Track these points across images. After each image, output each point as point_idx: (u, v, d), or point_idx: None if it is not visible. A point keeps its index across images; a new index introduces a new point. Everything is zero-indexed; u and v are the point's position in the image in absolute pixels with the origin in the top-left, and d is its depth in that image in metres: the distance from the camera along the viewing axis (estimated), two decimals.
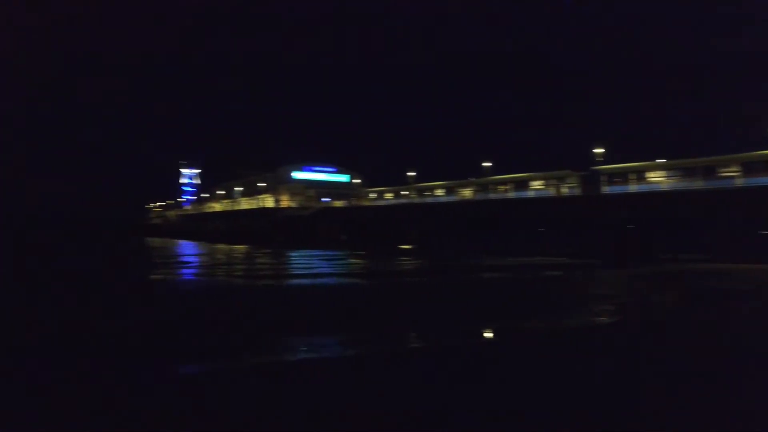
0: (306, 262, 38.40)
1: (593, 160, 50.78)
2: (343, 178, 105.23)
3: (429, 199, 68.41)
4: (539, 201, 51.71)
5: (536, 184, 55.27)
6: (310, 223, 77.52)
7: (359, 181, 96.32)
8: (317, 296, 21.05)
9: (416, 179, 73.97)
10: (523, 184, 56.53)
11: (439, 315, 15.77)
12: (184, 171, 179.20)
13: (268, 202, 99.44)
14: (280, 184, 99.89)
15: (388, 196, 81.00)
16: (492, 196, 58.62)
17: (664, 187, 43.69)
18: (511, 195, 56.56)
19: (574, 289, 22.46)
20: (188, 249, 61.33)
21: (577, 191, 50.90)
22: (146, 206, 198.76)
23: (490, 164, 62.58)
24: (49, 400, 7.91)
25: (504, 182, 59.42)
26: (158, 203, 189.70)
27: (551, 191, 53.08)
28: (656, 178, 45.57)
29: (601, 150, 50.65)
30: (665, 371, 9.39)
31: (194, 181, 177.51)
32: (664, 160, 46.71)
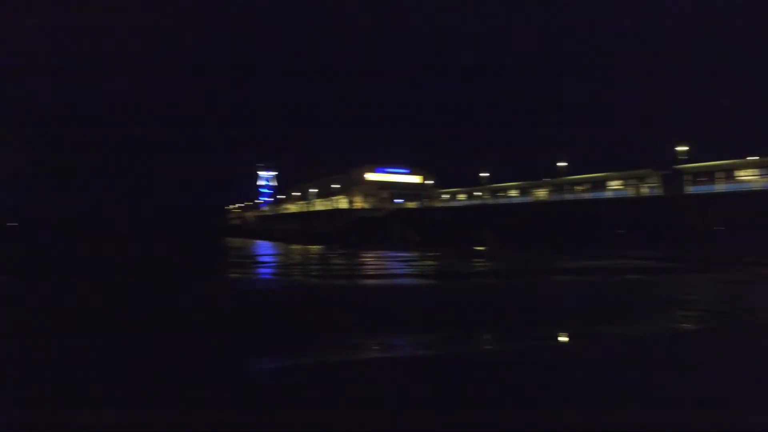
0: (379, 263, 39.24)
1: (676, 158, 48.66)
2: (416, 179, 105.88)
3: (502, 200, 67.74)
4: (617, 202, 50.12)
5: (614, 184, 53.60)
6: (383, 223, 78.66)
7: (432, 182, 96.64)
8: (389, 296, 21.57)
9: (489, 180, 73.44)
10: (600, 184, 54.96)
11: (513, 318, 15.88)
12: (261, 173, 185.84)
13: (342, 203, 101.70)
14: (353, 185, 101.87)
15: (461, 197, 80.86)
16: (567, 196, 57.33)
17: (756, 186, 41.24)
18: (588, 195, 55.09)
19: (656, 294, 21.81)
20: (264, 249, 63.90)
21: (659, 191, 48.93)
22: (226, 207, 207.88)
23: (565, 164, 61.25)
24: (139, 389, 8.77)
25: (580, 182, 57.99)
26: (237, 205, 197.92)
27: (630, 191, 51.33)
28: (747, 176, 43.09)
29: (685, 148, 48.42)
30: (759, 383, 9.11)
31: (271, 183, 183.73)
32: (757, 158, 44.05)
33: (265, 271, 34.95)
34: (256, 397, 8.42)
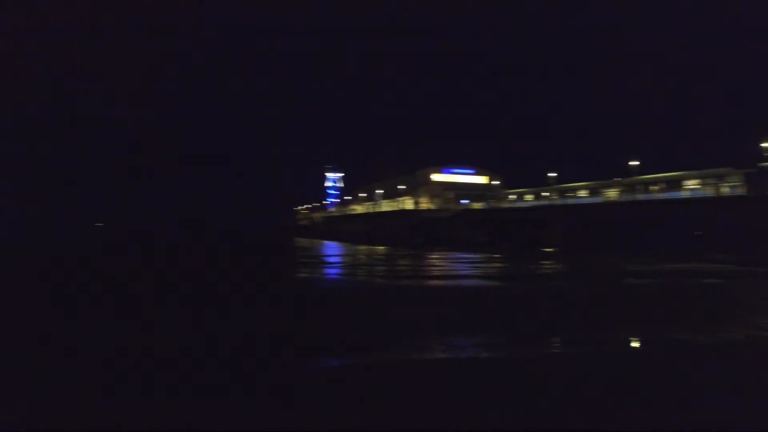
0: (444, 264, 39.51)
1: (760, 155, 46.05)
2: (482, 179, 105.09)
3: (571, 201, 66.23)
4: (694, 202, 47.98)
5: (691, 184, 51.28)
6: (449, 224, 78.65)
7: (498, 182, 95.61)
8: (454, 297, 21.81)
9: (557, 180, 72.07)
10: (675, 184, 52.72)
11: (580, 321, 15.86)
12: (328, 175, 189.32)
13: (408, 204, 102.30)
14: (419, 186, 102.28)
15: (528, 197, 79.65)
16: (639, 196, 55.35)
17: None
18: (662, 196, 52.97)
19: (735, 299, 20.94)
20: (331, 249, 65.46)
21: (741, 191, 46.43)
22: (295, 209, 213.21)
23: (636, 163, 59.20)
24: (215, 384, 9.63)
25: (653, 182, 55.86)
26: (305, 206, 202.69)
27: (709, 191, 48.94)
28: None
29: None
30: None
31: (338, 185, 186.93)
32: None
33: (332, 272, 36.02)
34: (324, 393, 9.02)
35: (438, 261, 42.51)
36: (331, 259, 49.10)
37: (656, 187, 54.84)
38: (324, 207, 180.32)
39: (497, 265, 39.16)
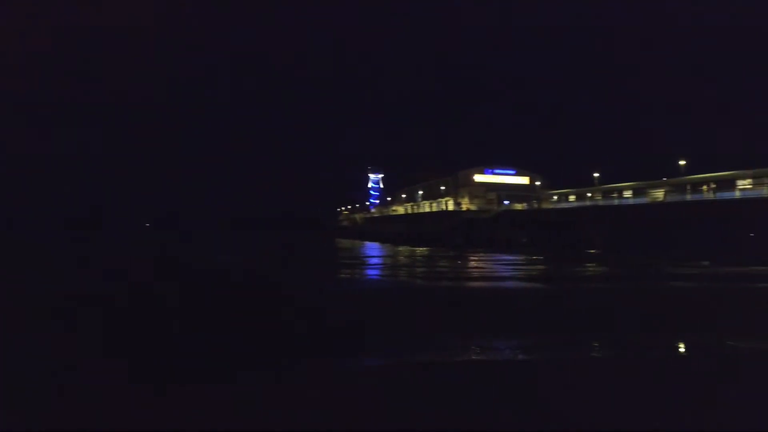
0: (485, 265, 39.37)
1: None
2: (523, 179, 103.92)
3: (615, 201, 64.75)
4: (748, 203, 46.23)
5: (744, 184, 49.40)
6: (490, 225, 78.06)
7: (539, 183, 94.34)
8: (494, 299, 21.82)
9: (600, 180, 70.66)
10: (726, 184, 50.87)
11: (623, 325, 15.51)
12: (370, 176, 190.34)
13: (449, 205, 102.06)
14: (460, 186, 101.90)
15: (571, 198, 78.30)
16: (689, 197, 53.67)
17: None
18: (712, 196, 51.21)
19: None
20: (372, 250, 65.97)
21: None
22: (337, 209, 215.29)
23: (683, 162, 57.50)
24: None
25: (703, 182, 54.05)
26: (347, 206, 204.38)
27: (766, 191, 47.04)
28: None
29: None
30: None
31: (379, 185, 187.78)
32: None
33: (373, 273, 36.38)
34: (363, 392, 9.24)
35: (478, 262, 42.36)
36: (373, 261, 49.49)
37: (705, 188, 53.07)
38: (365, 208, 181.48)
39: (538, 266, 38.68)
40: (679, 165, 58.66)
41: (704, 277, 29.20)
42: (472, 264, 41.38)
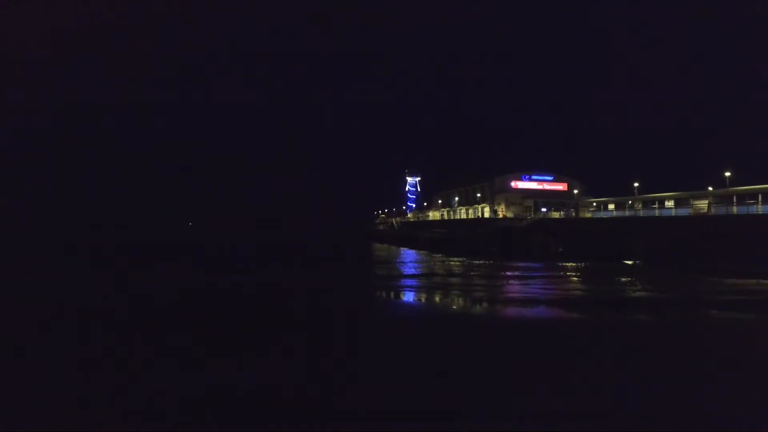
0: (519, 283, 38.02)
1: None
2: (561, 186, 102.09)
3: (656, 212, 62.82)
4: None
5: None
6: (526, 234, 76.86)
7: (577, 191, 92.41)
8: (526, 336, 20.35)
9: (640, 188, 68.87)
10: None
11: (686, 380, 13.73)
12: (408, 179, 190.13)
13: (485, 211, 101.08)
14: (496, 193, 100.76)
15: (611, 207, 76.45)
16: (735, 210, 51.60)
17: None
18: (761, 209, 49.03)
19: None
20: (407, 258, 65.88)
21: None
22: (375, 212, 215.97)
23: (728, 174, 55.41)
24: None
25: (752, 194, 51.81)
26: (384, 210, 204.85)
27: None
28: None
29: None
30: None
31: (416, 188, 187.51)
32: None
33: (407, 299, 33.77)
34: None
35: (512, 278, 41.39)
36: (406, 270, 49.34)
37: (753, 201, 50.87)
38: (402, 212, 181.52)
39: (576, 286, 37.29)
40: (724, 176, 56.53)
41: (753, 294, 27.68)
42: (504, 279, 40.70)
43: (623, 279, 40.24)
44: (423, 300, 31.53)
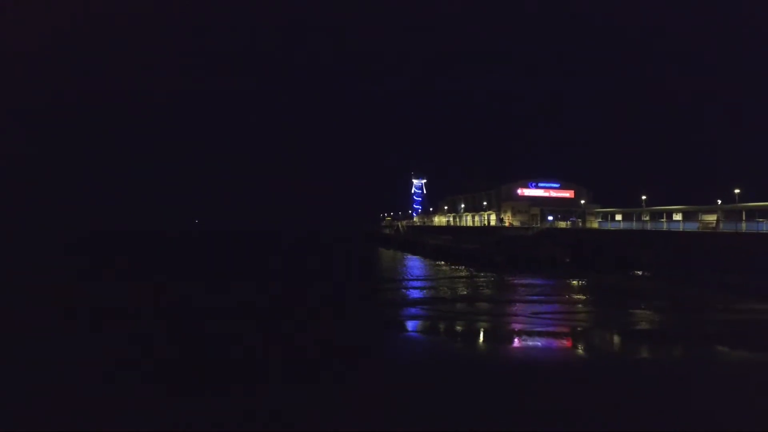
0: (523, 306, 36.82)
1: None
2: (567, 193, 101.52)
3: (664, 226, 62.24)
4: None
5: None
6: (532, 244, 76.36)
7: (584, 200, 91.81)
8: (535, 382, 19.07)
9: (649, 201, 68.36)
10: None
11: None
12: (414, 181, 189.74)
13: (492, 219, 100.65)
14: (503, 201, 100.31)
15: (618, 217, 75.87)
16: (743, 226, 50.98)
17: None
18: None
19: None
20: (411, 266, 65.43)
21: None
22: (381, 215, 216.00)
23: (738, 191, 54.81)
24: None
25: (763, 210, 51.17)
26: (390, 213, 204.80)
27: None
28: None
29: None
30: None
31: (422, 191, 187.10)
32: None
33: (409, 334, 33.60)
34: None
35: (518, 297, 40.73)
36: (407, 283, 49.06)
37: (763, 219, 50.20)
38: (408, 216, 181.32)
39: (584, 309, 36.22)
40: (734, 193, 55.93)
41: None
42: (508, 298, 40.20)
43: (633, 298, 38.87)
44: (426, 336, 29.92)
